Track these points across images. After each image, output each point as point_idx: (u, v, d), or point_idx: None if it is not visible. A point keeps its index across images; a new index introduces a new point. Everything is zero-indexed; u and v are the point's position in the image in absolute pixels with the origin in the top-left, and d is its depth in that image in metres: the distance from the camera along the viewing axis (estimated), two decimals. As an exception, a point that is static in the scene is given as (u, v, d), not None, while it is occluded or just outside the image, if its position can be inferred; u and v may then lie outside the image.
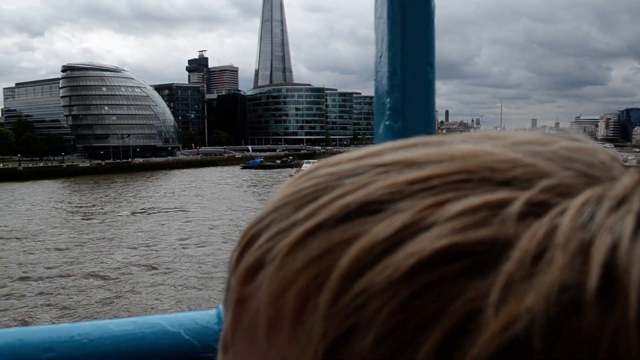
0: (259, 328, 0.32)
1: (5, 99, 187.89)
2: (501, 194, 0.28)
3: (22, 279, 23.59)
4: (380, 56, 1.14)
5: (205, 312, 1.04)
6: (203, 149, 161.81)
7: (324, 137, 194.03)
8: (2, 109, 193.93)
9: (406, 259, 0.27)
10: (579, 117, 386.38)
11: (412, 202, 0.29)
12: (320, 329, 0.28)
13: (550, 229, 0.26)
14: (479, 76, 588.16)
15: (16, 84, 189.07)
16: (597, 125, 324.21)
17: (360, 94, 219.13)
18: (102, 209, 49.02)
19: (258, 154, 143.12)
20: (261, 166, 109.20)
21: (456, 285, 0.26)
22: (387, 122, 1.12)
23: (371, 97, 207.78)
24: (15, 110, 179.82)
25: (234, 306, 0.34)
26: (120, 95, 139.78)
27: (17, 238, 33.86)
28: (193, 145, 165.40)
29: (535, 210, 0.28)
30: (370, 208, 0.30)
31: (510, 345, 0.24)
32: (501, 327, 0.24)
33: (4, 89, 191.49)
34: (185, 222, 39.40)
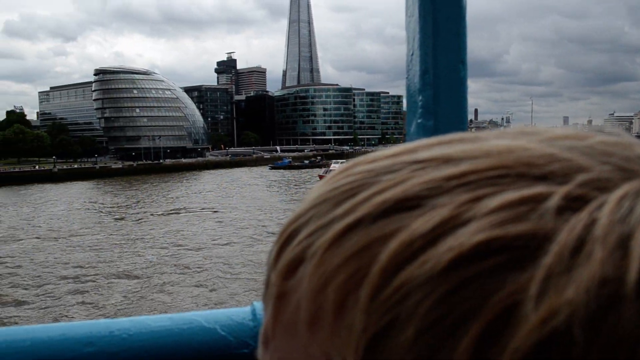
0: (300, 323, 0.32)
1: (40, 102, 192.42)
2: (538, 189, 0.28)
3: (58, 277, 24.13)
4: (412, 54, 1.14)
5: (240, 309, 1.06)
6: (232, 149, 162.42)
7: (352, 137, 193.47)
8: (37, 112, 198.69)
9: (445, 254, 0.27)
10: (612, 114, 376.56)
11: (449, 197, 0.29)
12: (361, 323, 0.28)
13: (589, 222, 0.26)
14: (508, 74, 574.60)
15: (51, 88, 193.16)
16: (631, 122, 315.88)
17: (388, 93, 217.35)
18: (134, 209, 49.81)
19: (286, 154, 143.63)
20: (290, 166, 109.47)
21: (495, 280, 0.26)
22: (419, 120, 1.13)
23: (399, 97, 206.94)
24: (50, 113, 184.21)
25: (274, 301, 0.35)
26: (151, 97, 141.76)
27: (54, 238, 34.67)
28: (222, 146, 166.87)
29: (573, 204, 0.27)
30: (408, 204, 0.30)
31: (550, 339, 0.24)
32: (541, 320, 0.24)
33: (39, 92, 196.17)
34: (217, 222, 39.75)
